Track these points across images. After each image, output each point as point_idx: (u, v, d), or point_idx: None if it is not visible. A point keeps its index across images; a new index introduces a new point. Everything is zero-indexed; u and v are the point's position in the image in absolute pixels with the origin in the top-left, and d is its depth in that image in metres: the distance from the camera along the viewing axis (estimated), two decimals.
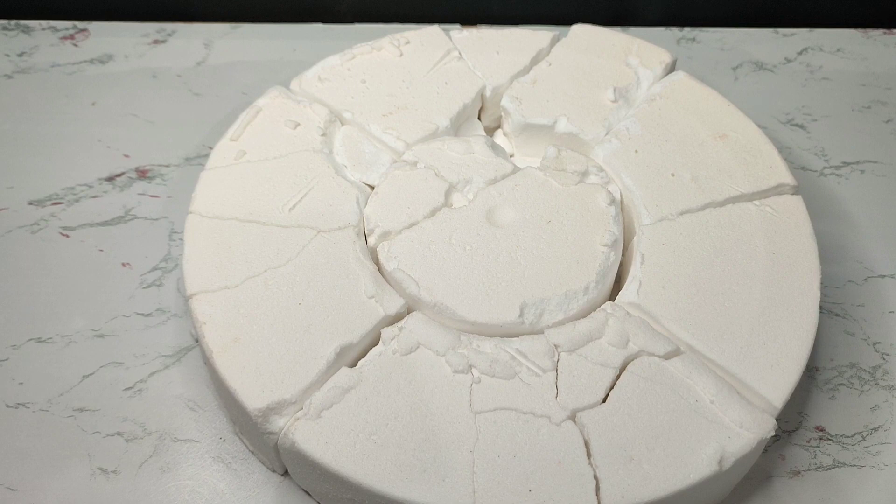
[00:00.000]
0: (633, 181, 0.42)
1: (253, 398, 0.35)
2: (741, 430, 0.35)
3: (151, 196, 0.47)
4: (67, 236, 0.46)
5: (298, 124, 0.44)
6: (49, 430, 0.40)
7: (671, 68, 0.47)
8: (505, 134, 0.47)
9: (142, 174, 0.48)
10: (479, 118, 0.46)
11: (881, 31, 0.58)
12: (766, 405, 0.36)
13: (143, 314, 0.43)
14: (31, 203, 0.48)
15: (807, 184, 0.49)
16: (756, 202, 0.41)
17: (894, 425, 0.39)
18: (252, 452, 0.38)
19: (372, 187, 0.42)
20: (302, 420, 0.34)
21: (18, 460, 0.38)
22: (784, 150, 0.43)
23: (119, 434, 0.39)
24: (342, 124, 0.44)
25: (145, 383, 0.40)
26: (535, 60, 0.48)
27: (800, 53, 0.57)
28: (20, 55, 0.55)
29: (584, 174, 0.42)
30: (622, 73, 0.47)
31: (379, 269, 0.39)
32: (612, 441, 0.34)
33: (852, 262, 0.46)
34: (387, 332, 0.36)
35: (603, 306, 0.37)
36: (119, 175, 0.48)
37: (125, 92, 0.53)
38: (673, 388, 0.35)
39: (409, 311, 0.37)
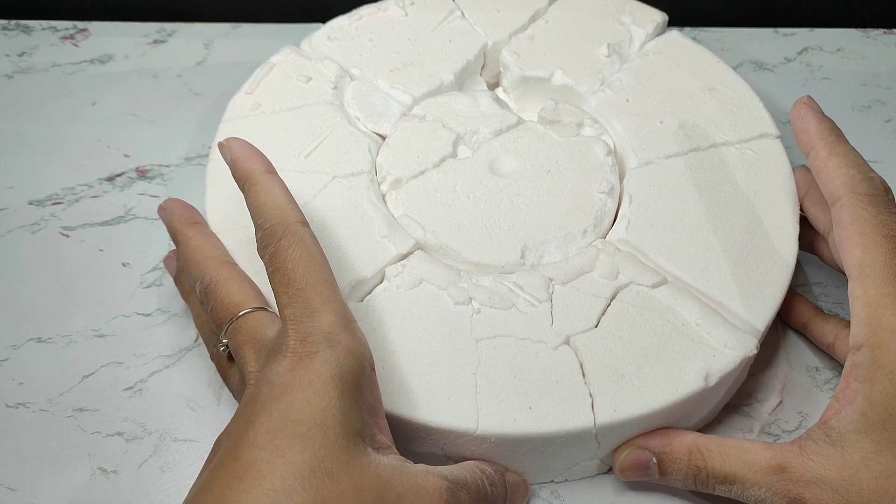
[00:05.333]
0: (623, 127, 0.49)
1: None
2: (725, 349, 0.40)
3: (151, 196, 0.50)
4: (67, 236, 0.47)
5: (311, 79, 0.50)
6: (49, 430, 0.41)
7: (663, 28, 0.55)
8: (504, 89, 0.54)
9: (142, 174, 0.49)
10: (479, 74, 0.54)
11: (881, 30, 0.60)
12: (749, 327, 0.41)
13: (143, 314, 0.44)
14: (31, 203, 0.52)
15: None
16: (738, 146, 0.48)
17: None
18: None
19: (383, 137, 0.48)
20: None
21: (18, 460, 0.39)
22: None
23: (119, 434, 0.40)
24: (351, 80, 0.51)
25: (145, 383, 0.41)
26: (533, 18, 0.55)
27: (800, 53, 0.59)
28: (20, 55, 0.57)
29: (580, 125, 0.49)
30: (615, 30, 0.54)
31: None
32: (604, 362, 0.39)
33: None
34: (391, 270, 0.42)
35: (594, 243, 0.44)
36: (119, 175, 0.50)
37: (125, 92, 0.57)
38: (660, 313, 0.41)
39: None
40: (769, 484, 0.35)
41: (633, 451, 0.38)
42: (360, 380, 0.33)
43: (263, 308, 0.38)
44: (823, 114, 0.42)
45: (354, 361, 0.33)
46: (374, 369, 0.35)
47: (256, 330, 0.37)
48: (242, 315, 0.37)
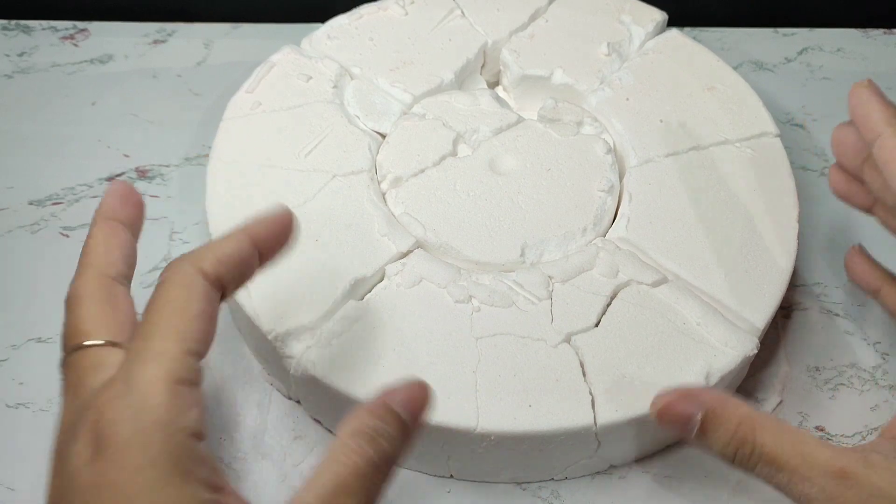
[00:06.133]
0: (623, 126, 0.49)
1: (272, 323, 0.40)
2: (726, 349, 0.40)
3: (151, 196, 0.50)
4: (67, 236, 0.47)
5: (311, 77, 0.51)
6: (49, 430, 0.40)
7: (663, 27, 0.55)
8: (504, 88, 0.54)
9: (142, 174, 0.50)
10: (479, 73, 0.54)
11: (881, 31, 0.60)
12: (749, 326, 0.41)
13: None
14: (31, 203, 0.52)
15: (807, 184, 0.50)
16: (737, 144, 0.48)
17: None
18: (270, 384, 0.44)
19: (383, 135, 0.49)
20: (314, 348, 0.39)
21: (18, 460, 0.39)
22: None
23: None
24: (351, 79, 0.51)
25: None
26: (533, 17, 0.55)
27: (800, 53, 0.59)
28: (20, 55, 0.57)
29: (580, 124, 0.49)
30: (615, 29, 0.54)
31: None
32: (605, 361, 0.40)
33: None
34: (391, 268, 0.42)
35: (594, 241, 0.44)
36: (119, 175, 0.52)
37: (125, 92, 0.58)
38: (661, 312, 0.41)
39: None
40: (824, 485, 0.32)
41: (679, 399, 0.34)
42: (181, 463, 0.26)
43: (116, 345, 0.29)
44: (886, 98, 0.38)
45: (169, 440, 0.26)
46: (201, 438, 0.27)
47: (88, 372, 0.29)
48: (84, 347, 0.29)
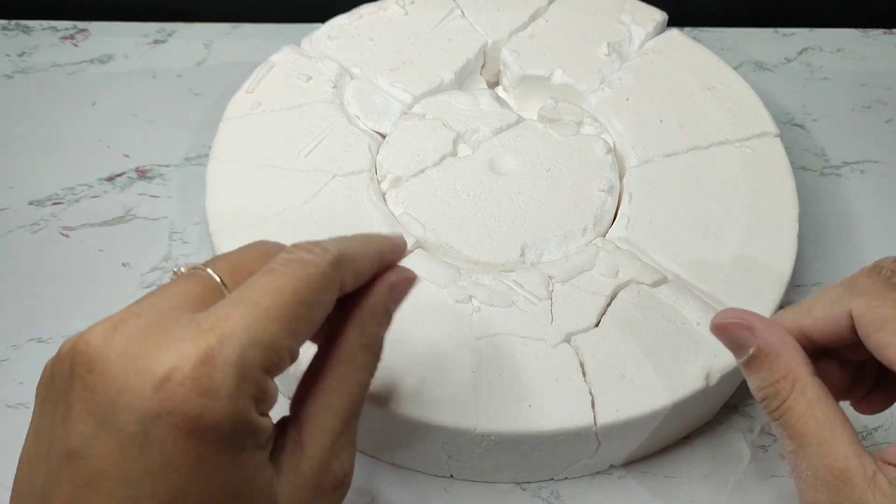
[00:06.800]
0: (623, 126, 0.49)
1: None
2: (726, 349, 0.40)
3: (151, 196, 0.50)
4: (67, 236, 0.47)
5: (311, 77, 0.51)
6: None
7: (663, 27, 0.55)
8: (504, 88, 0.55)
9: (142, 174, 0.49)
10: (479, 73, 0.54)
11: (881, 31, 0.60)
12: None
13: None
14: (31, 203, 0.53)
15: (807, 184, 0.50)
16: (737, 144, 0.48)
17: (894, 425, 0.39)
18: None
19: (383, 135, 0.49)
20: (314, 348, 0.40)
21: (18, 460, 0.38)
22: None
23: None
24: (351, 79, 0.51)
25: None
26: (533, 17, 0.55)
27: (800, 53, 0.59)
28: (20, 55, 0.57)
29: (580, 124, 0.49)
30: (615, 29, 0.54)
31: None
32: (605, 361, 0.39)
33: (852, 263, 0.46)
34: None
35: (594, 241, 0.44)
36: (119, 175, 0.51)
37: (125, 92, 0.58)
38: (661, 312, 0.41)
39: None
40: (821, 476, 0.30)
41: (741, 327, 0.33)
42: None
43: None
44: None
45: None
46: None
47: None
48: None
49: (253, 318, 0.25)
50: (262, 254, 0.29)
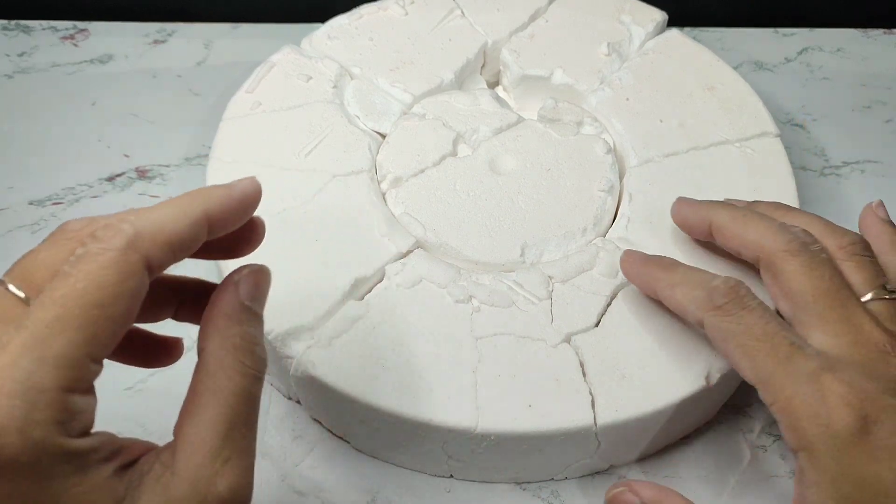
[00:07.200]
0: (623, 126, 0.49)
1: (271, 323, 0.39)
2: None
3: (151, 196, 0.50)
4: None
5: (311, 77, 0.51)
6: None
7: (663, 27, 0.55)
8: (504, 88, 0.55)
9: (142, 174, 0.49)
10: (479, 73, 0.54)
11: (881, 31, 0.60)
12: None
13: None
14: (31, 203, 0.52)
15: (807, 184, 0.50)
16: (737, 144, 0.48)
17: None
18: (270, 384, 0.44)
19: (383, 135, 0.49)
20: (314, 348, 0.39)
21: None
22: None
23: (119, 434, 0.39)
24: (351, 79, 0.51)
25: (145, 383, 0.42)
26: (533, 17, 0.55)
27: (800, 53, 0.59)
28: (20, 55, 0.57)
29: (580, 124, 0.49)
30: (615, 29, 0.54)
31: None
32: (605, 361, 0.39)
33: None
34: (391, 268, 0.42)
35: (594, 241, 0.44)
36: (119, 175, 0.51)
37: (125, 92, 0.58)
38: (661, 312, 0.41)
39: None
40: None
41: (624, 493, 0.36)
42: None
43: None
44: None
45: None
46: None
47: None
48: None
49: (35, 338, 0.24)
50: (67, 249, 0.27)
